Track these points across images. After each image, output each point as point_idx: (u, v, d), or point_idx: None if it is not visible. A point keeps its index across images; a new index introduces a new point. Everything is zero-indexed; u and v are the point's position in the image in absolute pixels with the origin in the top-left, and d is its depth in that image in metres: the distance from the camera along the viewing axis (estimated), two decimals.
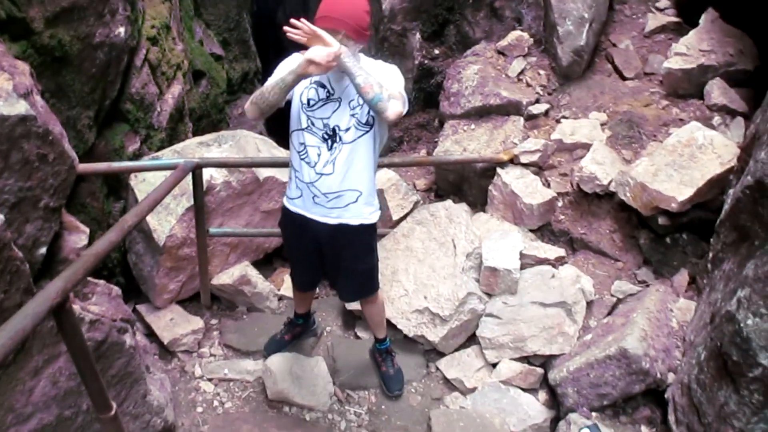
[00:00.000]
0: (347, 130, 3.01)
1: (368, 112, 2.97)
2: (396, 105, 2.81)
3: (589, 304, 3.96)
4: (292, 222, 3.30)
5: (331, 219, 3.16)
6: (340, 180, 3.06)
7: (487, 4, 5.78)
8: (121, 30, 4.02)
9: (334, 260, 3.37)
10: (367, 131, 3.03)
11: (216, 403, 3.87)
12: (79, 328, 2.11)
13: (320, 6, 2.88)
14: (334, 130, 3.02)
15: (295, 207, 3.22)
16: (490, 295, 4.02)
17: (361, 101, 2.95)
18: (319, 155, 3.05)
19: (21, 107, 2.26)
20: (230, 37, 7.84)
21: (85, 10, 3.61)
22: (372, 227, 3.31)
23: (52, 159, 2.46)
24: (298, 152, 3.10)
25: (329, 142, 3.03)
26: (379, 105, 2.79)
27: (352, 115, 2.99)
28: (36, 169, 2.39)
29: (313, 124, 3.03)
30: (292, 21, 2.78)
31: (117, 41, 3.98)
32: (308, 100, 3.03)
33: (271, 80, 2.88)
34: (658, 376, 3.25)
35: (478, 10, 5.88)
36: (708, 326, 2.94)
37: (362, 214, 3.18)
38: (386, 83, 2.87)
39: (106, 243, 2.34)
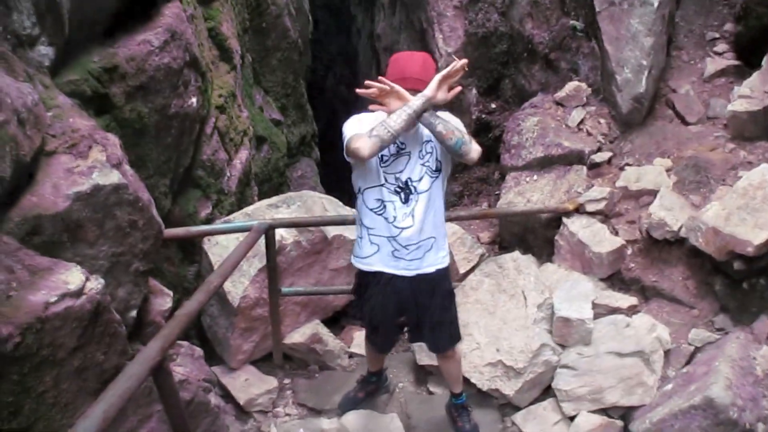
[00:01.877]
0: (420, 179, 3.09)
1: (437, 159, 3.09)
2: (476, 146, 2.94)
3: (667, 353, 3.87)
4: (369, 282, 3.33)
5: (410, 271, 3.20)
6: (419, 230, 3.13)
7: (541, 57, 5.86)
8: (194, 100, 4.21)
9: (418, 314, 3.39)
10: (438, 176, 3.12)
11: None
12: (175, 388, 2.18)
13: (394, 68, 3.08)
14: (406, 182, 3.10)
15: (370, 266, 3.26)
16: (563, 347, 3.96)
17: (429, 149, 3.06)
18: (395, 209, 3.12)
19: (114, 177, 2.39)
20: (288, 103, 8.10)
21: (161, 83, 3.81)
22: (447, 271, 3.35)
23: (141, 225, 2.58)
24: (374, 209, 3.17)
25: (402, 194, 3.11)
26: (463, 148, 2.92)
27: (423, 164, 3.08)
28: (127, 235, 2.51)
29: (387, 179, 3.11)
30: (368, 82, 2.93)
31: (190, 111, 4.17)
32: (382, 156, 3.11)
33: (390, 119, 2.94)
34: (747, 426, 3.13)
35: (533, 63, 5.97)
36: None
37: (437, 259, 3.23)
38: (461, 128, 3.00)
39: (195, 303, 2.43)
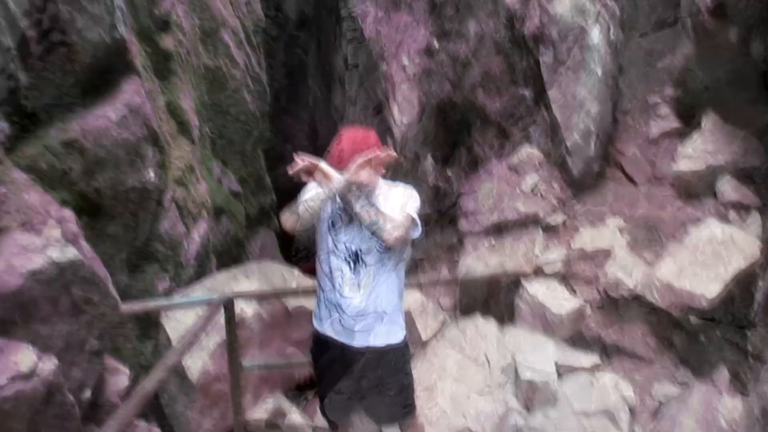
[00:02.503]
0: (369, 252, 3.09)
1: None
2: (396, 230, 2.94)
3: (632, 409, 3.88)
4: (321, 345, 3.29)
5: (358, 342, 3.17)
6: (367, 302, 3.10)
7: (494, 124, 6.03)
8: (151, 174, 4.20)
9: (367, 385, 3.34)
10: (389, 253, 3.11)
11: None
12: None
13: (333, 149, 3.07)
14: (356, 253, 3.10)
15: (323, 329, 3.24)
16: (529, 409, 3.94)
17: None
18: (343, 277, 3.11)
19: (70, 253, 2.36)
20: (246, 174, 8.12)
21: (119, 157, 3.80)
22: (400, 347, 3.30)
23: (97, 301, 2.53)
24: (326, 274, 3.16)
25: (352, 264, 3.11)
26: (376, 231, 2.93)
27: (371, 237, 3.09)
28: (83, 312, 2.45)
29: (336, 246, 3.11)
30: (296, 157, 2.99)
31: (147, 185, 4.15)
32: (332, 223, 3.13)
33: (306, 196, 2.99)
34: None
35: (487, 131, 6.13)
36: (760, 420, 2.88)
37: (388, 334, 3.19)
38: (396, 208, 3.01)
39: (153, 381, 2.36)
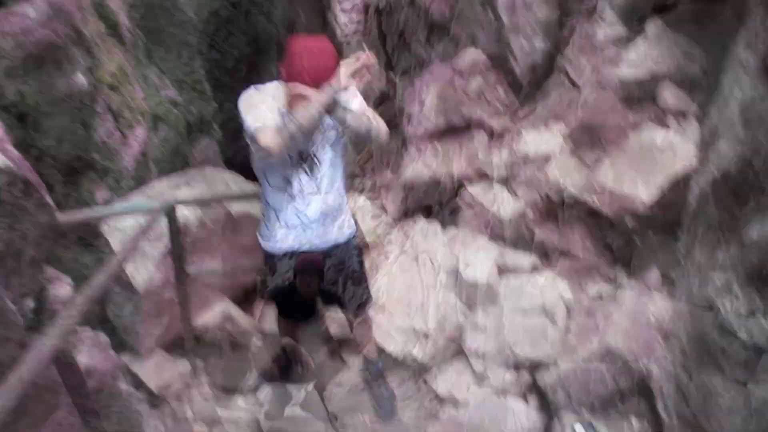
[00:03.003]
0: (324, 154, 3.09)
1: (336, 129, 3.09)
2: (383, 126, 2.99)
3: (568, 308, 4.05)
4: (277, 262, 3.30)
5: (324, 243, 3.23)
6: (326, 201, 3.14)
7: (439, 27, 5.91)
8: (82, 79, 4.03)
9: (331, 277, 3.41)
10: (339, 144, 3.14)
11: None
12: (81, 375, 2.11)
13: (294, 62, 2.91)
14: (312, 156, 3.09)
15: (279, 247, 3.24)
16: (471, 307, 4.08)
17: (329, 120, 3.03)
18: (302, 184, 3.10)
19: None
20: (185, 81, 7.85)
21: (43, 60, 3.62)
22: (356, 234, 3.42)
23: (32, 210, 2.46)
24: (280, 189, 3.14)
25: (308, 169, 3.10)
26: (373, 134, 2.98)
27: (323, 135, 3.08)
28: (18, 222, 2.38)
29: (291, 159, 3.08)
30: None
31: (78, 90, 3.99)
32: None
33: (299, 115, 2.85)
34: (644, 369, 3.33)
35: (431, 33, 6.02)
36: (686, 315, 3.04)
37: (348, 226, 3.30)
38: (364, 106, 3.01)
39: (95, 288, 2.35)
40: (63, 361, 2.03)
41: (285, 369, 4.09)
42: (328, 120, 3.02)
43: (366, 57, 2.90)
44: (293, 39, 3.08)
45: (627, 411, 3.42)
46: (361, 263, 3.54)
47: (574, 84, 5.18)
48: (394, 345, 4.05)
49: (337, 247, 3.30)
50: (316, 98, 2.83)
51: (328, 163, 3.09)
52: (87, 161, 4.38)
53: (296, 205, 3.12)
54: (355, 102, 3.02)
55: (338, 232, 3.26)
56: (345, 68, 2.86)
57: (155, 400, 4.04)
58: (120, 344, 4.27)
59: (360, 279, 3.51)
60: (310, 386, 3.95)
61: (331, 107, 2.88)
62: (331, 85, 2.84)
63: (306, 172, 3.08)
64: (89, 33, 4.34)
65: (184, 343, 4.37)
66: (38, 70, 3.58)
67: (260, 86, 3.08)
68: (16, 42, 3.32)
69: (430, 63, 5.94)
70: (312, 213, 3.12)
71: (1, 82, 3.30)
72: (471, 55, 5.43)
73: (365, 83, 2.96)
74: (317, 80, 2.85)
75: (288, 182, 3.09)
